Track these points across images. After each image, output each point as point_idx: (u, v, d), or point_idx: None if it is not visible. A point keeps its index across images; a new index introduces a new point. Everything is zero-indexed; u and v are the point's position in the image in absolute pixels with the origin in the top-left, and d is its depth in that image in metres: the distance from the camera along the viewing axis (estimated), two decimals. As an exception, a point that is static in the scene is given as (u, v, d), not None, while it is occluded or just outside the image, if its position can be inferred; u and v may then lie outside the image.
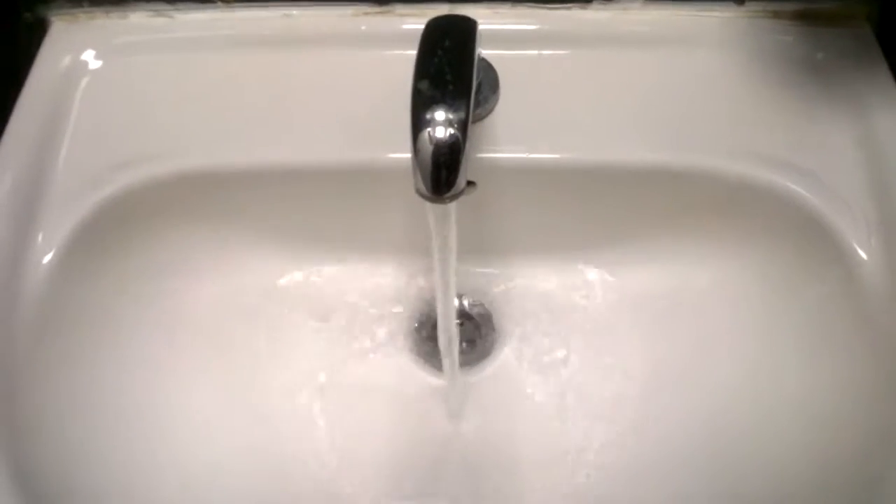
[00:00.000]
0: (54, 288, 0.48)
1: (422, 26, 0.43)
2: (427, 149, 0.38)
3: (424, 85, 0.39)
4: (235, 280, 0.57)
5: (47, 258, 0.48)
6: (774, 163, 0.50)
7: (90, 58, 0.55)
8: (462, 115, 0.38)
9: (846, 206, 0.49)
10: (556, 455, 0.54)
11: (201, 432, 0.53)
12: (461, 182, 0.39)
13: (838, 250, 0.48)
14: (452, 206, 0.42)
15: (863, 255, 0.48)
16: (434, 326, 0.58)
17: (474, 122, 0.50)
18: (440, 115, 0.38)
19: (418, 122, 0.38)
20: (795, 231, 0.51)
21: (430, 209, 0.42)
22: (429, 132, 0.38)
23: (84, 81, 0.54)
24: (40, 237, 0.49)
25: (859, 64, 0.53)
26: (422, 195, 0.39)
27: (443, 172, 0.38)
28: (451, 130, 0.38)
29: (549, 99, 0.53)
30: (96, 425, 0.49)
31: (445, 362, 0.54)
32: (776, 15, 0.55)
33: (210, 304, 0.56)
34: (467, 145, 0.38)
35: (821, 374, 0.50)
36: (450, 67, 0.39)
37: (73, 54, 0.55)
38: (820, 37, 0.54)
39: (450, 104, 0.38)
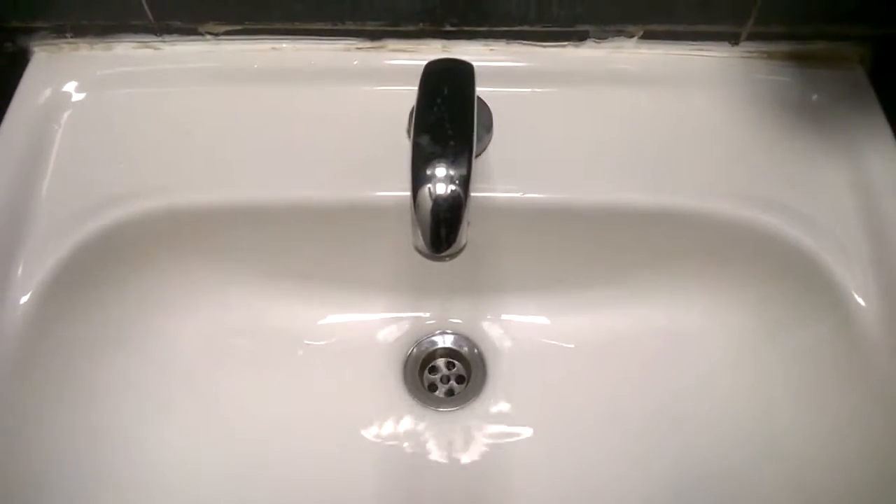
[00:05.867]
0: (34, 326, 0.47)
1: (415, 62, 0.42)
2: (427, 205, 0.37)
3: (425, 140, 0.37)
4: (221, 317, 0.56)
5: (25, 298, 0.47)
6: (770, 205, 0.50)
7: (72, 90, 0.53)
8: (464, 171, 0.37)
9: (842, 250, 0.49)
10: (550, 494, 0.53)
11: (187, 471, 0.51)
12: (461, 240, 0.38)
13: (835, 295, 0.48)
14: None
15: (860, 300, 0.47)
16: (424, 363, 0.57)
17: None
18: (441, 171, 0.37)
19: (419, 178, 0.37)
20: (792, 275, 0.50)
21: None
22: (429, 188, 0.37)
23: (66, 114, 0.53)
24: (20, 273, 0.47)
25: (853, 106, 0.53)
26: (420, 252, 0.38)
27: (443, 230, 0.37)
28: (452, 187, 0.37)
29: (542, 137, 0.52)
30: (74, 465, 0.48)
31: (438, 398, 0.53)
32: (770, 55, 0.55)
33: (195, 341, 0.55)
34: (468, 202, 0.37)
35: (817, 419, 0.50)
36: (450, 120, 0.38)
37: (54, 86, 0.53)
38: (814, 78, 0.54)
39: (451, 160, 0.37)
